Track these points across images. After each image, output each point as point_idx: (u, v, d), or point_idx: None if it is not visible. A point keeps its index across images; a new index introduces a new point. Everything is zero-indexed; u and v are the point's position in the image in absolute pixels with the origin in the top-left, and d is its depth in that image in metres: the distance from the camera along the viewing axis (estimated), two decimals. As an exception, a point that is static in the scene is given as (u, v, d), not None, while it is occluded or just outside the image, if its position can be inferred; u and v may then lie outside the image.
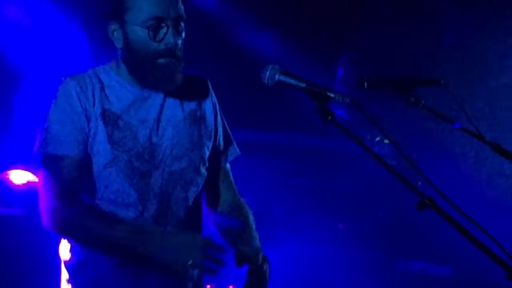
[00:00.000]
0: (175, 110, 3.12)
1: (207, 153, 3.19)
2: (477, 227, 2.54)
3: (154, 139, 3.04)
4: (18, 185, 5.80)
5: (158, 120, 3.06)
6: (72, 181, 2.93)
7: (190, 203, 3.13)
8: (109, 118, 2.99)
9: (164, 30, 2.94)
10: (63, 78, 2.97)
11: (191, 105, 3.16)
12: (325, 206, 6.50)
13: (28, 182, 5.82)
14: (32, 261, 5.52)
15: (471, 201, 5.76)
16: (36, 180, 5.85)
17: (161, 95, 3.09)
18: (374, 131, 5.88)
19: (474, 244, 2.44)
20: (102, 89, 3.01)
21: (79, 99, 2.95)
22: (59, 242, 3.11)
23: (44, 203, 2.91)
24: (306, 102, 2.78)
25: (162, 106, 3.08)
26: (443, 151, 6.58)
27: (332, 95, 2.78)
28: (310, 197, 6.08)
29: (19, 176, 5.84)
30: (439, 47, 6.61)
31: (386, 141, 5.88)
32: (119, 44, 3.00)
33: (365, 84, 2.93)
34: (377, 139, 6.04)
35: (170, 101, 3.10)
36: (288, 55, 5.74)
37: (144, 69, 2.98)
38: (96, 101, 2.99)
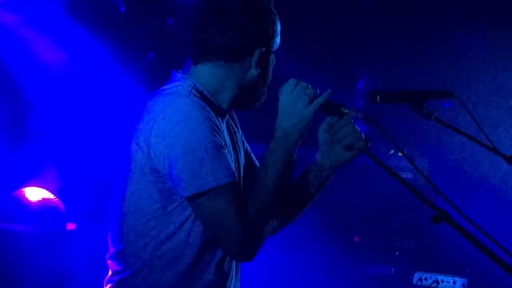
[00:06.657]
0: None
1: None
2: (492, 240, 2.54)
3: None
4: (33, 202, 5.82)
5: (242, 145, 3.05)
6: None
7: None
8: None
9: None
10: (186, 100, 2.69)
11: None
12: (340, 219, 6.49)
13: (43, 199, 5.84)
14: (46, 277, 5.52)
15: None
16: (52, 197, 5.90)
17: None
18: (388, 144, 5.87)
19: (489, 256, 2.43)
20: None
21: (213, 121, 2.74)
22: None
23: (239, 232, 2.67)
24: (317, 116, 2.79)
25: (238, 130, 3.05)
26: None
27: (346, 110, 2.81)
28: (325, 210, 6.07)
29: (34, 193, 5.85)
30: (456, 60, 6.61)
31: (400, 154, 5.86)
32: (256, 69, 2.86)
33: (378, 97, 2.92)
34: (391, 152, 6.04)
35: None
36: (308, 68, 5.75)
37: (261, 94, 2.91)
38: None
